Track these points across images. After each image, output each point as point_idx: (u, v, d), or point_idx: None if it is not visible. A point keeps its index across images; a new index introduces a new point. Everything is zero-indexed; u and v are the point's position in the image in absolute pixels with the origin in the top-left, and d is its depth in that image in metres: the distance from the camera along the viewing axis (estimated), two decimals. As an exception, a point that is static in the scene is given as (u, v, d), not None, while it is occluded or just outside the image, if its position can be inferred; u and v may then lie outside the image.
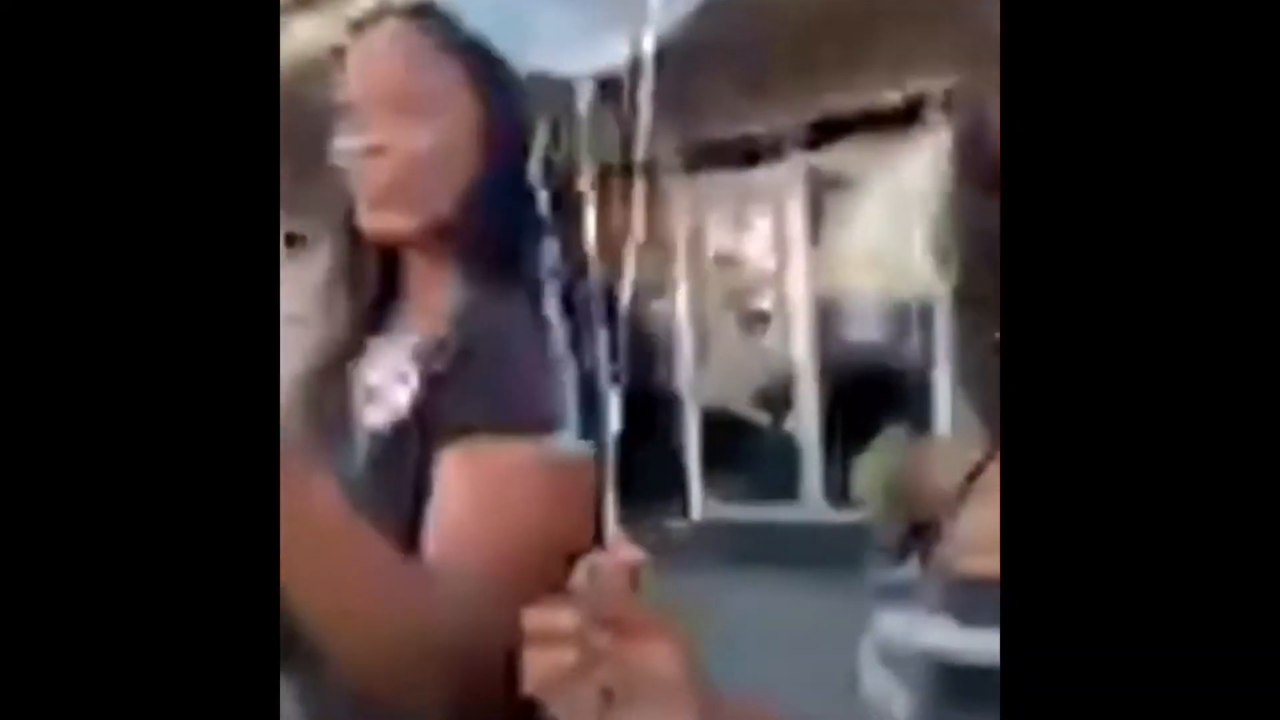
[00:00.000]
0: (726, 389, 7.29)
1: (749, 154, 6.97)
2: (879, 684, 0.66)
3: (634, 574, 0.61)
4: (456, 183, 1.00)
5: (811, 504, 6.79)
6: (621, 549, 0.62)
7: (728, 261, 7.36)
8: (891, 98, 5.72)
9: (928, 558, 0.70)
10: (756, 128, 6.81)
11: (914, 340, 6.47)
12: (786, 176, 6.90)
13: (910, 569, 0.70)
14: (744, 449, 7.24)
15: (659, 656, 0.61)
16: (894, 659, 0.66)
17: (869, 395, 6.62)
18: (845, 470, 6.53)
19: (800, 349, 6.92)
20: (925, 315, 6.26)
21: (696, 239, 7.45)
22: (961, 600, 0.64)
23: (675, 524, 7.26)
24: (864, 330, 6.72)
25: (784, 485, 6.87)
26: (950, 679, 0.61)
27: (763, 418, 7.13)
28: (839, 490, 6.50)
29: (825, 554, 5.31)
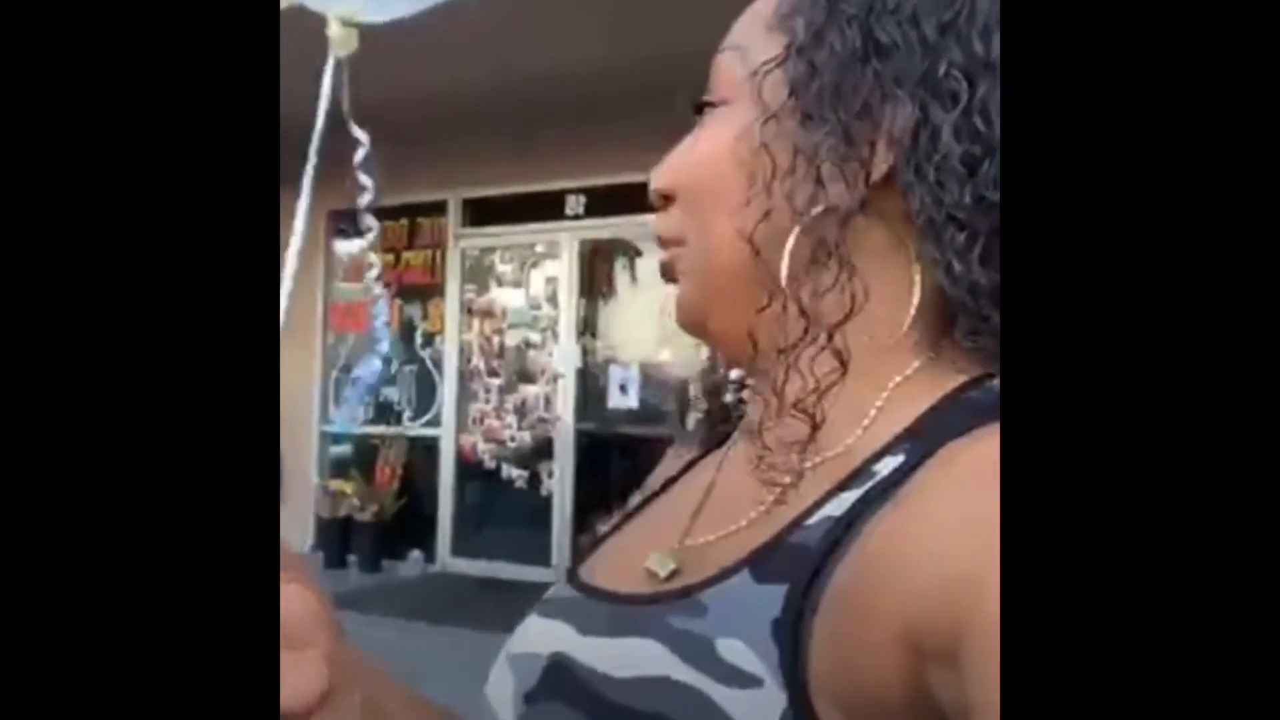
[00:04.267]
0: (486, 444, 7.24)
1: (528, 212, 7.02)
2: (496, 681, 0.68)
3: None
4: None
5: (560, 568, 6.78)
6: None
7: (498, 316, 7.34)
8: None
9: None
10: (537, 185, 6.87)
11: (671, 409, 6.60)
12: (562, 238, 6.98)
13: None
14: (498, 506, 7.19)
15: (290, 597, 0.59)
16: (513, 658, 0.68)
17: (625, 463, 6.71)
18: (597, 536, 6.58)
19: (562, 411, 6.96)
20: (682, 386, 6.41)
21: (468, 290, 7.41)
22: (582, 609, 0.67)
23: (411, 569, 7.12)
24: (624, 397, 6.81)
25: (535, 549, 6.84)
26: (553, 677, 0.64)
27: (520, 476, 7.10)
28: (589, 554, 6.52)
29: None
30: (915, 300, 0.62)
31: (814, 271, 0.61)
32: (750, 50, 0.65)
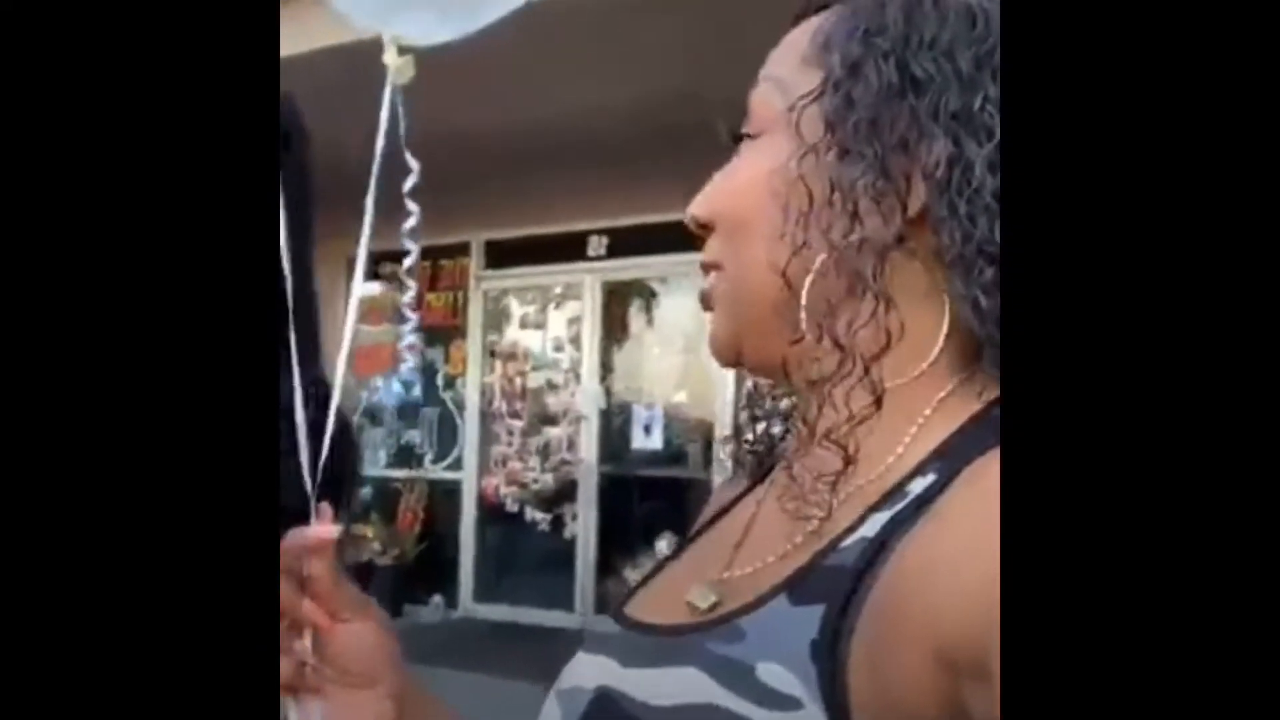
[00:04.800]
0: (509, 487, 7.19)
1: (551, 253, 7.01)
2: (545, 717, 0.70)
3: (329, 548, 0.64)
4: None
5: (584, 613, 6.71)
6: (319, 523, 0.64)
7: (521, 358, 7.32)
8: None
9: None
10: (559, 227, 6.87)
11: (695, 452, 6.56)
12: (584, 279, 6.96)
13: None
14: (521, 549, 7.14)
15: (358, 635, 0.65)
16: (561, 693, 0.70)
17: (648, 506, 6.65)
18: (621, 580, 6.52)
19: (586, 453, 6.91)
20: (706, 428, 6.37)
21: (490, 332, 7.40)
22: (625, 642, 0.68)
23: (433, 614, 7.08)
24: (648, 438, 6.77)
25: (558, 593, 6.78)
26: (599, 709, 0.65)
27: (543, 519, 7.05)
28: (612, 600, 6.46)
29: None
30: (944, 332, 0.63)
31: (849, 304, 0.62)
32: (787, 82, 0.66)
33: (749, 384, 0.78)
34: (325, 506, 0.64)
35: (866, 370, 0.60)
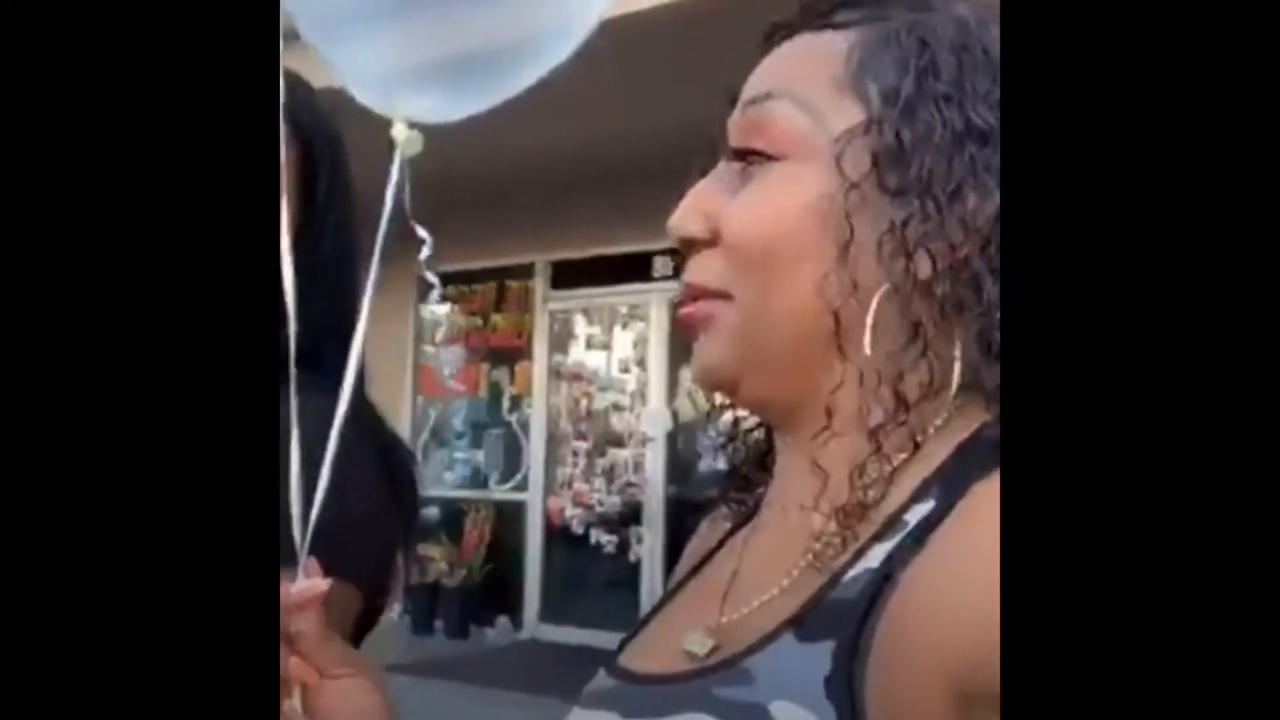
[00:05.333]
0: (574, 509, 7.18)
1: (616, 274, 7.00)
2: None
3: (317, 603, 0.63)
4: None
5: (650, 634, 6.67)
6: (307, 577, 0.63)
7: (587, 379, 7.32)
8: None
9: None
10: (624, 247, 6.85)
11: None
12: (650, 299, 6.94)
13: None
14: (587, 572, 7.11)
15: (348, 692, 0.64)
16: None
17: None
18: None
19: (652, 475, 6.87)
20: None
21: (556, 353, 7.41)
22: (626, 695, 0.66)
23: (499, 636, 7.08)
24: (715, 462, 6.71)
25: (625, 613, 6.74)
26: None
27: (609, 541, 7.02)
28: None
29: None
30: (956, 378, 0.61)
31: (893, 347, 0.61)
32: (815, 105, 0.64)
33: (716, 424, 0.76)
34: (313, 561, 0.63)
35: (907, 411, 0.60)
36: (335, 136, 1.04)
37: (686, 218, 0.66)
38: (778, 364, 0.64)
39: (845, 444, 0.62)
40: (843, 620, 0.56)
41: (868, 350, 0.61)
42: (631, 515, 6.94)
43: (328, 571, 0.92)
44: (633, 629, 0.75)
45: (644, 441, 6.94)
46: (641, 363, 7.05)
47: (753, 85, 0.67)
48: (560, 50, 0.69)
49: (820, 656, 0.56)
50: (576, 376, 7.34)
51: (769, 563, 0.65)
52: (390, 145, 0.67)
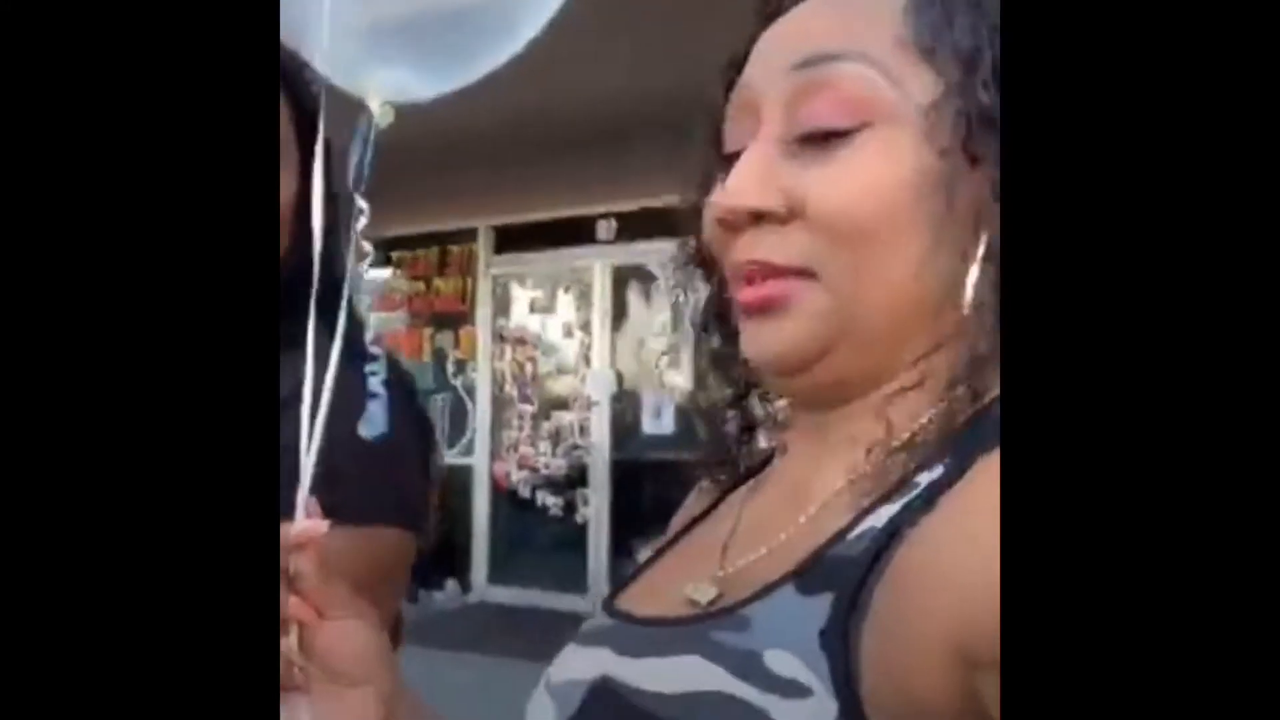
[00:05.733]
0: (520, 471, 7.21)
1: (559, 238, 7.00)
2: (536, 712, 0.67)
3: (317, 544, 0.62)
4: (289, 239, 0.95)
5: (597, 597, 6.73)
6: (309, 518, 0.62)
7: (530, 343, 7.33)
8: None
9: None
10: (567, 211, 6.85)
11: (703, 436, 6.55)
12: (594, 263, 6.95)
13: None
14: (534, 534, 7.15)
15: (346, 633, 0.63)
16: (553, 687, 0.67)
17: (660, 489, 6.65)
18: (635, 563, 6.52)
19: (597, 438, 6.92)
20: (714, 412, 6.35)
21: (499, 318, 7.40)
22: (622, 634, 0.66)
23: (448, 599, 7.10)
24: (658, 423, 6.76)
25: (572, 576, 6.80)
26: (597, 700, 0.63)
27: (555, 504, 7.06)
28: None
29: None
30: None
31: (974, 314, 0.60)
32: (888, 66, 0.61)
33: (723, 393, 0.75)
34: (314, 501, 0.63)
35: (979, 379, 0.59)
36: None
37: (758, 191, 0.62)
38: (864, 341, 0.62)
39: (913, 400, 0.61)
40: (844, 575, 0.56)
41: (965, 320, 0.59)
42: (577, 477, 6.98)
43: (387, 523, 0.93)
44: (624, 580, 0.75)
45: (589, 404, 6.98)
46: (585, 326, 7.07)
47: (799, 46, 0.63)
48: (535, 20, 0.68)
49: (818, 609, 0.55)
50: (520, 340, 7.35)
51: (769, 518, 0.65)
52: (355, 115, 0.67)
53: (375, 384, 0.94)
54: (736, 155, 0.65)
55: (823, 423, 0.65)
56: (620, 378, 6.95)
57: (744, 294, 0.63)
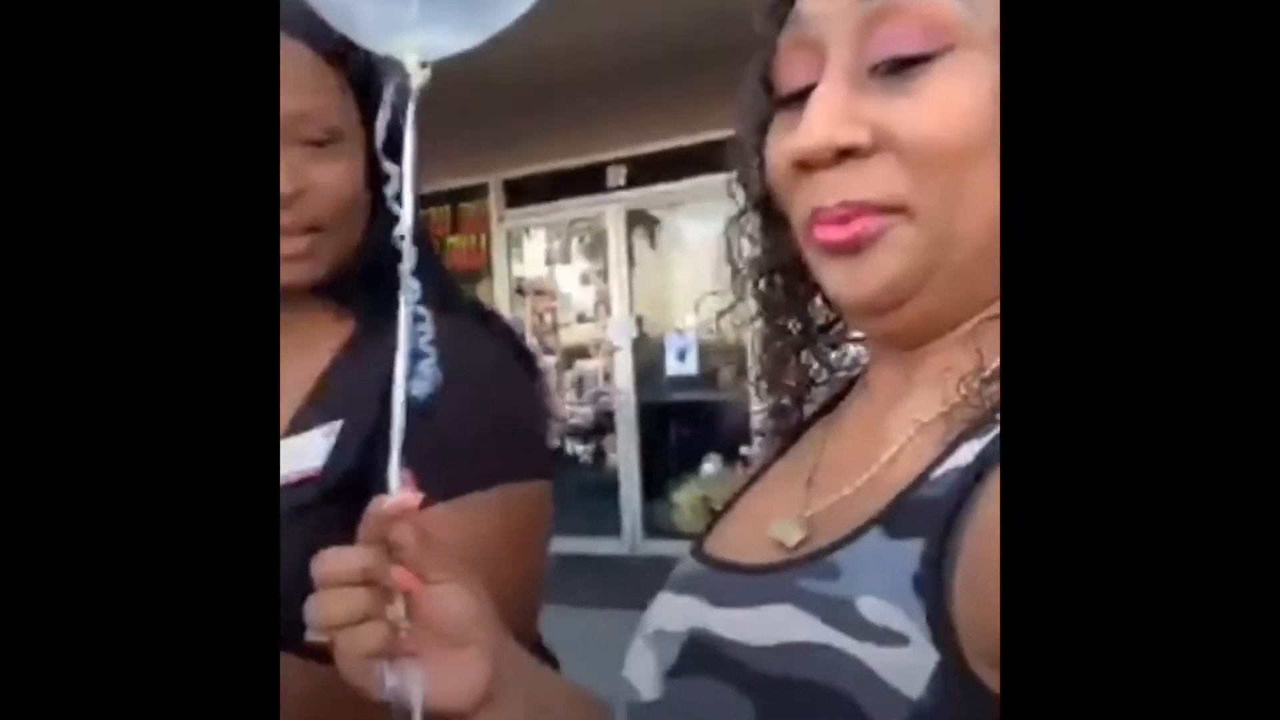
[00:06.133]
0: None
1: (570, 188, 6.99)
2: (636, 661, 0.67)
3: (411, 515, 0.62)
4: (360, 217, 0.96)
5: (632, 539, 6.80)
6: (403, 491, 0.62)
7: (546, 293, 7.34)
8: (703, 139, 5.84)
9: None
10: (576, 160, 6.84)
11: (729, 374, 6.58)
12: (606, 210, 6.95)
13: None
14: (565, 482, 7.21)
15: (449, 596, 0.63)
16: (650, 637, 0.67)
17: (688, 430, 6.69)
18: (668, 503, 6.58)
19: (622, 383, 6.95)
20: (740, 350, 6.38)
21: (515, 270, 7.42)
22: (713, 582, 0.66)
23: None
24: (682, 365, 6.79)
25: (606, 519, 6.86)
26: (694, 652, 0.63)
27: (584, 451, 7.11)
28: (659, 525, 6.54)
29: (644, 589, 5.31)
30: None
31: None
32: None
33: (787, 341, 0.73)
34: (408, 473, 0.63)
35: None
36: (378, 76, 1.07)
37: (843, 127, 0.60)
38: (956, 273, 0.61)
39: (998, 329, 0.59)
40: (932, 519, 0.55)
41: None
42: (604, 424, 7.03)
43: (523, 476, 0.93)
44: (711, 519, 0.75)
45: (611, 351, 7.00)
46: (602, 273, 7.08)
47: None
48: None
49: (909, 554, 0.55)
50: (539, 291, 7.37)
51: (849, 457, 0.65)
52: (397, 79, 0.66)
53: (424, 344, 0.96)
54: (797, 94, 0.63)
55: (908, 358, 0.64)
56: (640, 321, 6.97)
57: (830, 234, 0.61)
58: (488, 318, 1.04)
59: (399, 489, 0.62)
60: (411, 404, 0.84)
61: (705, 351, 6.69)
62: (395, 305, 0.65)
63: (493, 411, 0.94)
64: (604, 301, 7.07)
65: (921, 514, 0.56)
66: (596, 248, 7.13)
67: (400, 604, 0.62)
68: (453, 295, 1.00)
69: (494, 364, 0.97)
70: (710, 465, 6.37)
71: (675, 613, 0.66)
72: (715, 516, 0.75)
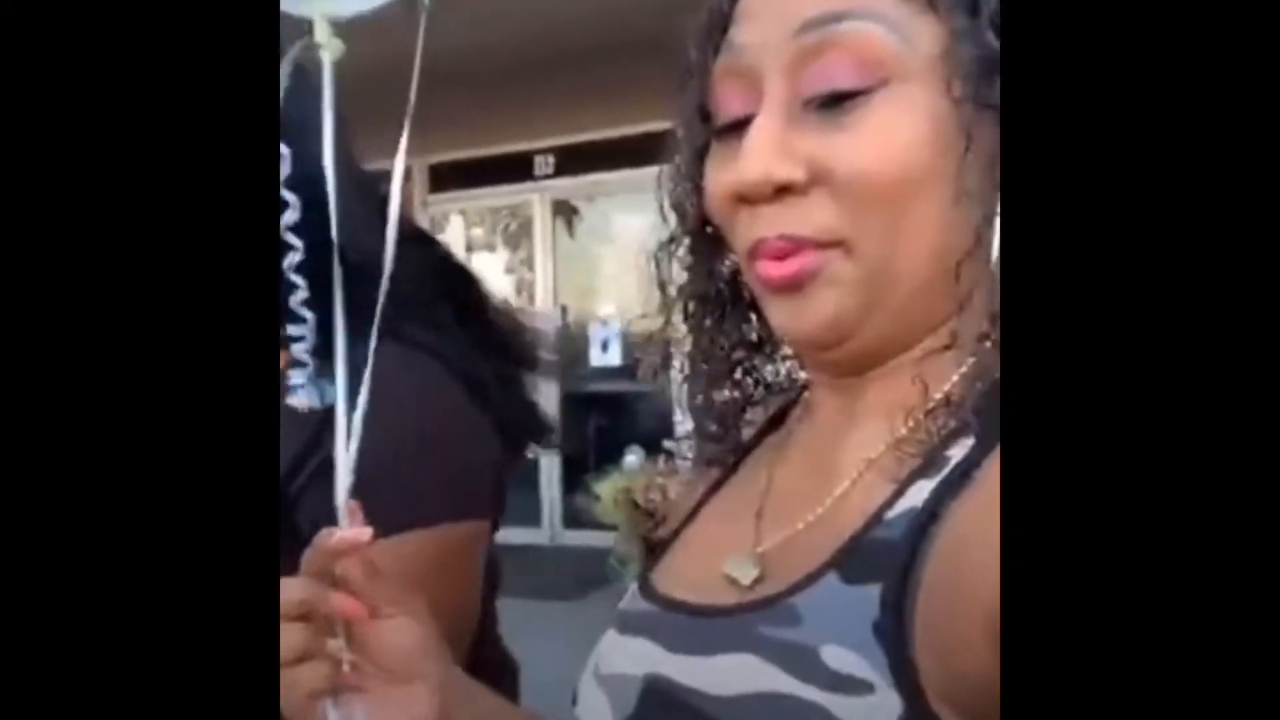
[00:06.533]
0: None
1: (497, 175, 6.95)
2: (590, 703, 0.66)
3: (360, 550, 0.61)
4: None
5: (551, 529, 6.80)
6: (350, 523, 0.61)
7: (471, 282, 7.30)
8: (634, 130, 5.84)
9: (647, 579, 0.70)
10: (503, 148, 6.80)
11: (651, 364, 6.60)
12: (533, 199, 6.92)
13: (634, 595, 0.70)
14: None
15: (398, 629, 0.62)
16: (603, 679, 0.66)
17: (610, 421, 6.70)
18: (588, 494, 6.59)
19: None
20: (663, 340, 6.40)
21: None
22: (667, 624, 0.65)
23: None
24: (605, 355, 6.80)
25: (525, 510, 6.85)
26: (652, 700, 0.62)
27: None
28: (579, 516, 6.55)
29: (563, 579, 5.32)
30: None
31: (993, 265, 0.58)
32: (896, 21, 0.58)
33: (723, 367, 0.72)
34: (355, 506, 0.61)
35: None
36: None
37: (780, 162, 0.59)
38: (898, 305, 0.60)
39: (946, 359, 0.60)
40: (888, 562, 0.54)
41: (995, 270, 0.57)
42: (526, 413, 7.01)
43: (461, 518, 0.90)
44: (659, 548, 0.73)
45: (534, 340, 6.98)
46: (525, 262, 7.05)
47: (799, 7, 0.60)
48: None
49: (867, 600, 0.54)
50: (462, 279, 7.32)
51: (798, 490, 0.64)
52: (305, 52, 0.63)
53: (299, 350, 0.86)
54: (734, 125, 0.62)
55: (852, 386, 0.64)
56: (565, 311, 6.96)
57: (770, 270, 0.61)
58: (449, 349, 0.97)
59: (346, 522, 0.61)
60: (405, 443, 0.79)
61: (629, 343, 6.71)
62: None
63: (416, 447, 0.90)
64: (527, 290, 7.05)
65: (878, 557, 0.55)
66: (519, 236, 7.10)
67: (342, 635, 0.61)
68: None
69: (418, 395, 0.92)
70: (633, 457, 6.37)
71: (628, 657, 0.65)
72: (660, 546, 0.73)
